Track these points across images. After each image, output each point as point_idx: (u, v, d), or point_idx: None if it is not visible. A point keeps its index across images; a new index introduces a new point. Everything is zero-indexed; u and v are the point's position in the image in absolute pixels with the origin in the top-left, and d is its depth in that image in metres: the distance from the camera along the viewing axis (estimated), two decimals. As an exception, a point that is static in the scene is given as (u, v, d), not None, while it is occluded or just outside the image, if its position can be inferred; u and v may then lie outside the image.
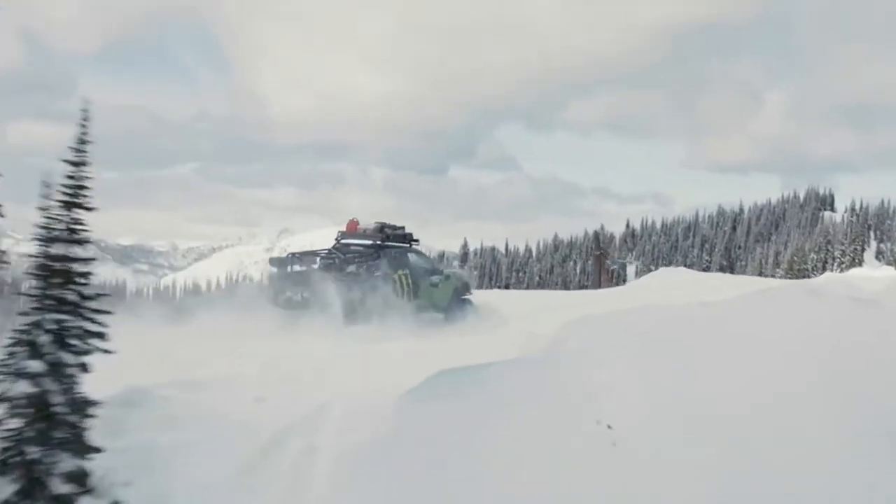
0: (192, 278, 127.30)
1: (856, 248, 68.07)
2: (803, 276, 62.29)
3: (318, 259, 16.57)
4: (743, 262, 71.47)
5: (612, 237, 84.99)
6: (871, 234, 74.49)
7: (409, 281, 16.40)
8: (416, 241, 17.67)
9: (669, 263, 75.60)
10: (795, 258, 63.33)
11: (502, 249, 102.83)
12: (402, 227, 17.42)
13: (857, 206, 76.86)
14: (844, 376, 5.24)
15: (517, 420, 5.30)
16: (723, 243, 74.97)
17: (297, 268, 16.56)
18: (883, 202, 77.54)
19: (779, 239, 71.96)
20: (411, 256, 17.12)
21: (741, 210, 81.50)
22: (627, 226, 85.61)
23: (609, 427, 4.92)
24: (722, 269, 70.83)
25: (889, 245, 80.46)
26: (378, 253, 16.38)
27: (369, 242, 16.68)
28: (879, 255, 79.41)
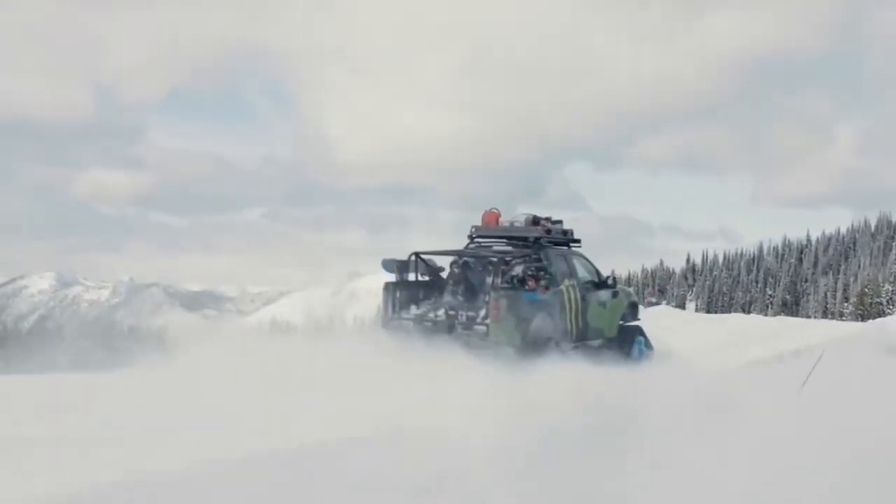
0: (259, 322, 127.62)
1: (939, 278, 62.87)
2: (876, 311, 57.92)
3: (453, 261, 12.32)
4: (810, 296, 67.06)
5: (672, 272, 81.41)
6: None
7: (577, 296, 12.11)
8: (578, 241, 13.15)
9: (730, 300, 71.98)
10: (867, 290, 58.85)
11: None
12: (560, 221, 12.95)
13: (934, 234, 72.08)
14: None
15: None
16: (787, 276, 70.69)
17: (422, 276, 12.24)
18: (961, 229, 72.63)
19: (848, 270, 67.48)
20: (576, 262, 12.84)
21: (808, 241, 77.29)
22: (688, 261, 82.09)
23: None
24: (786, 304, 66.76)
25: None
26: (538, 254, 12.02)
27: (521, 240, 12.37)
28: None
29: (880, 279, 61.01)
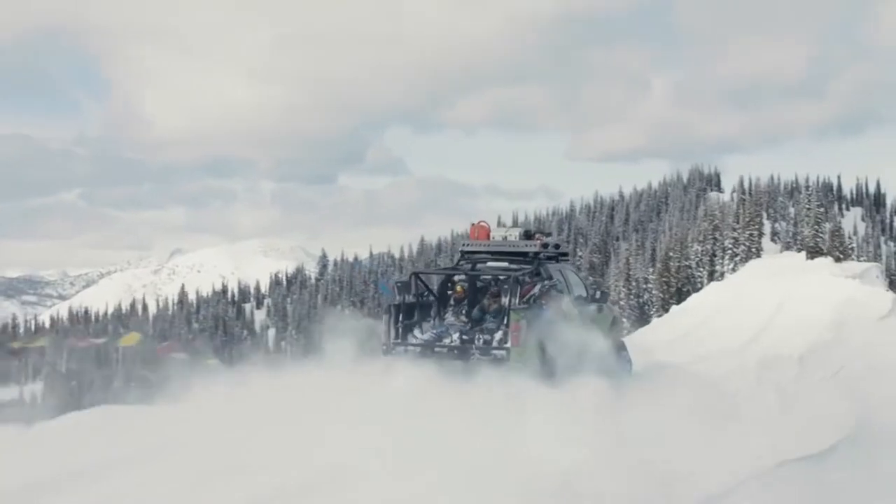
0: (78, 306, 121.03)
1: (751, 234, 57.05)
2: (685, 277, 52.67)
3: (456, 279, 11.55)
4: (619, 255, 61.70)
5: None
6: (763, 214, 66.15)
7: (575, 312, 11.66)
8: (566, 255, 13.10)
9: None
10: (673, 253, 52.88)
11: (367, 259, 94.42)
12: (550, 234, 12.75)
13: (747, 184, 68.63)
14: None
15: None
16: (598, 235, 65.17)
17: (421, 296, 11.67)
18: (773, 178, 69.71)
19: (659, 227, 62.42)
20: (569, 275, 12.45)
21: (620, 197, 72.37)
22: (499, 223, 76.16)
23: None
24: (593, 267, 61.10)
25: (784, 225, 72.70)
26: (539, 271, 11.35)
27: (519, 256, 11.69)
28: (775, 236, 71.70)
29: (689, 238, 55.79)
